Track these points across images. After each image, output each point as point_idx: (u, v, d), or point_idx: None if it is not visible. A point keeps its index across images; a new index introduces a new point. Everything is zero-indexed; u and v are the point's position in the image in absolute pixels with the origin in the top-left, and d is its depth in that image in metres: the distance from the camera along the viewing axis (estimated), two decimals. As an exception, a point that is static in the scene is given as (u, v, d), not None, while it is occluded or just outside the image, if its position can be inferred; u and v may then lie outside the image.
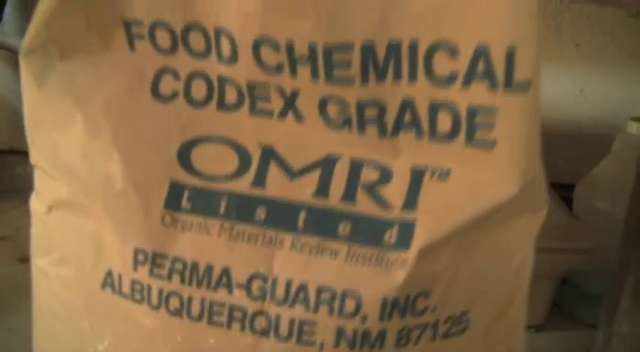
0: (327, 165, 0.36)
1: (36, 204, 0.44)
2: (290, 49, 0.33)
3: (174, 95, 0.37)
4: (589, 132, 1.10)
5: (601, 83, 1.07)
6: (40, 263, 0.44)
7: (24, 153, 1.34)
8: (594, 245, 0.73)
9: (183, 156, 0.37)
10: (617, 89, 1.07)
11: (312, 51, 0.32)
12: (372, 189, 0.35)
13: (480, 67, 0.31)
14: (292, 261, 0.35)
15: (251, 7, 0.32)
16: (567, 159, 1.12)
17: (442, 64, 0.32)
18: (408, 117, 0.34)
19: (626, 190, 0.63)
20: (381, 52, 0.32)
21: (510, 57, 0.30)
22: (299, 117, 0.35)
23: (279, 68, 0.34)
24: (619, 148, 0.80)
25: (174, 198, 0.37)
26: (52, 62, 0.37)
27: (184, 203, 0.37)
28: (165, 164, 0.37)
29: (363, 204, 0.35)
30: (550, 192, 0.84)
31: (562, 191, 1.06)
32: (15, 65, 1.15)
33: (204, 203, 0.37)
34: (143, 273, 0.37)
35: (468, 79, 0.31)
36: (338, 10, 0.31)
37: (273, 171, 0.36)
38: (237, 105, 0.36)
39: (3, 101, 1.18)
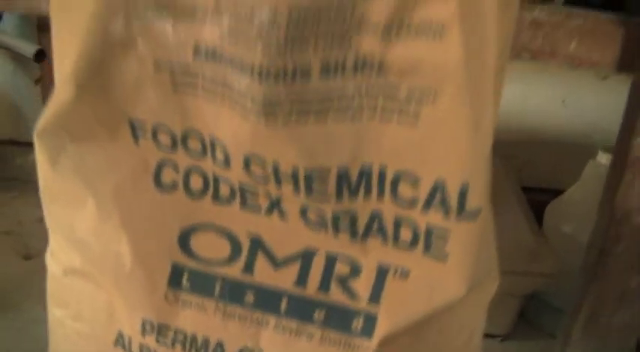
0: (306, 257, 0.42)
1: (51, 262, 0.50)
2: (275, 168, 0.39)
3: (174, 186, 0.43)
4: (569, 141, 1.16)
5: (582, 94, 1.13)
6: (56, 313, 0.50)
7: (24, 144, 1.42)
8: (557, 270, 0.80)
9: (183, 241, 0.44)
10: (596, 100, 1.13)
11: (295, 173, 0.38)
12: (343, 282, 0.42)
13: (437, 198, 0.37)
14: (275, 340, 0.42)
15: (242, 131, 0.38)
16: (547, 165, 1.19)
17: (405, 190, 0.38)
18: (375, 226, 0.40)
19: (591, 219, 0.69)
20: (354, 176, 0.39)
21: (463, 192, 0.36)
22: (283, 215, 0.42)
23: (265, 179, 0.40)
24: (588, 177, 0.86)
25: (175, 278, 0.44)
26: (64, 144, 0.43)
27: (184, 283, 0.44)
28: (168, 247, 0.44)
29: (336, 295, 0.42)
30: (524, 210, 0.91)
31: (541, 195, 1.14)
32: (14, 60, 1.20)
33: (202, 284, 0.44)
34: (150, 340, 0.44)
35: (427, 206, 0.38)
36: (318, 143, 0.37)
37: (260, 260, 0.43)
38: (230, 199, 0.43)
39: (3, 95, 1.23)
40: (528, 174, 1.19)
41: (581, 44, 0.54)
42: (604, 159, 0.83)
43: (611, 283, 0.65)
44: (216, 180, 0.42)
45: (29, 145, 1.36)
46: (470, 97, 0.34)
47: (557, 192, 1.15)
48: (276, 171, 0.39)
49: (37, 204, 1.28)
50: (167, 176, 0.43)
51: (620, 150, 0.60)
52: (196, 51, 0.36)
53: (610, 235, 0.63)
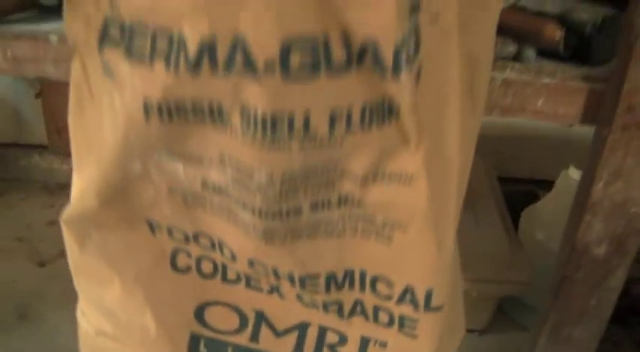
0: (301, 329, 0.52)
1: (83, 321, 0.60)
2: (275, 270, 0.48)
3: (188, 269, 0.53)
4: (548, 135, 1.25)
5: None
6: (90, 363, 0.61)
7: (28, 147, 1.51)
8: (530, 277, 0.91)
9: (199, 314, 0.54)
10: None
11: (291, 275, 0.48)
12: (333, 349, 0.52)
13: (408, 297, 0.47)
14: (279, 397, 0.53)
15: (245, 245, 0.47)
16: (528, 158, 1.29)
17: (382, 288, 0.48)
18: (358, 309, 0.50)
19: (561, 228, 0.79)
20: (339, 277, 0.48)
21: (429, 294, 0.46)
22: (281, 295, 0.52)
23: (266, 274, 0.49)
24: (561, 188, 0.95)
25: (194, 345, 0.54)
26: (90, 231, 0.51)
27: (202, 349, 0.54)
28: (187, 319, 0.54)
29: (328, 360, 0.52)
30: (502, 215, 1.01)
31: (522, 185, 1.24)
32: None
33: (216, 350, 0.54)
34: (175, 394, 0.55)
35: (400, 301, 0.48)
36: (309, 256, 0.47)
37: (264, 330, 0.53)
38: (237, 281, 0.52)
39: (6, 100, 1.29)
40: (510, 166, 1.28)
41: (548, 100, 0.61)
42: (575, 174, 0.92)
43: (572, 303, 0.75)
44: (224, 267, 0.52)
45: (32, 147, 1.47)
46: (434, 225, 0.43)
47: (536, 182, 1.25)
48: (275, 272, 0.48)
49: (44, 205, 1.41)
50: (182, 261, 0.52)
51: (581, 195, 0.69)
52: (204, 185, 0.45)
53: (571, 264, 0.73)
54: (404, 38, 0.36)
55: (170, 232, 0.50)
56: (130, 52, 0.38)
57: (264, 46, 0.34)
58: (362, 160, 0.41)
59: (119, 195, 0.48)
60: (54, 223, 1.21)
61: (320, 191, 0.42)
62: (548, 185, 1.12)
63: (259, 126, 0.37)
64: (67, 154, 1.30)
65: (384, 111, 0.39)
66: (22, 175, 1.32)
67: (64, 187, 1.30)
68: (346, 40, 0.35)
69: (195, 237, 0.50)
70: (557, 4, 0.67)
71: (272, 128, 0.37)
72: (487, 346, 1.00)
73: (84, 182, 0.49)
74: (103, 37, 0.40)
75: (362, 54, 0.36)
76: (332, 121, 0.38)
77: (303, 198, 0.42)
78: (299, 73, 0.35)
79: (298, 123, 0.37)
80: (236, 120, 0.38)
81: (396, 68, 0.36)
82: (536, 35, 0.63)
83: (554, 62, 0.60)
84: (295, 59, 0.35)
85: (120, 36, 0.39)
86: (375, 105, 0.38)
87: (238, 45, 0.35)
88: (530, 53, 0.62)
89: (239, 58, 0.35)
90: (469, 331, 1.01)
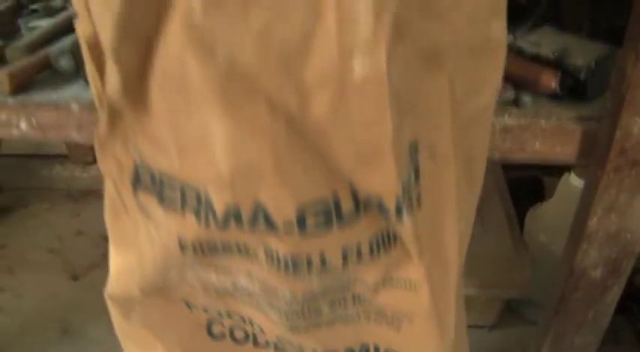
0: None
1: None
2: (300, 347, 0.56)
3: (222, 336, 0.61)
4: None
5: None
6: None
7: (48, 157, 1.60)
8: (530, 279, 0.98)
9: (235, 373, 0.62)
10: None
11: (315, 351, 0.56)
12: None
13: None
14: None
15: (274, 329, 0.55)
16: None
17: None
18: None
19: (562, 232, 0.85)
20: (357, 350, 0.56)
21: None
22: (306, 358, 0.60)
23: (293, 347, 0.58)
24: (562, 193, 1.01)
25: (232, 399, 0.63)
26: (133, 305, 0.59)
27: (239, 402, 0.63)
28: (225, 377, 0.62)
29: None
30: (508, 216, 1.07)
31: (524, 171, 1.30)
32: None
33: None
34: None
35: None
36: (329, 338, 0.54)
37: (291, 384, 0.62)
38: (266, 345, 0.61)
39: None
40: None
41: (545, 142, 0.66)
42: (576, 181, 0.98)
43: (571, 317, 0.83)
44: (254, 335, 0.60)
45: (52, 157, 1.55)
46: (437, 318, 0.51)
47: (540, 168, 1.31)
48: (300, 347, 0.56)
49: (70, 214, 1.52)
50: (217, 329, 0.61)
51: (577, 226, 0.75)
52: (234, 287, 0.52)
53: (570, 285, 0.80)
54: (404, 188, 0.42)
55: (205, 310, 0.58)
56: (162, 199, 0.45)
57: (282, 213, 0.41)
58: (372, 274, 0.48)
59: (159, 289, 0.55)
60: (81, 233, 1.29)
61: (337, 294, 0.50)
62: (551, 170, 1.17)
63: (282, 264, 0.44)
64: (86, 163, 1.38)
65: (389, 240, 0.46)
66: (44, 184, 1.40)
67: (87, 194, 1.39)
68: (354, 195, 0.42)
69: (228, 314, 0.58)
70: (552, 44, 0.71)
71: (293, 266, 0.44)
72: (496, 340, 1.08)
73: (124, 262, 0.56)
74: (136, 182, 0.46)
75: (367, 204, 0.42)
76: (344, 257, 0.45)
77: (322, 302, 0.50)
78: (314, 229, 0.42)
79: (315, 261, 0.44)
80: (260, 255, 0.45)
81: (399, 214, 0.43)
82: (533, 83, 0.67)
83: (549, 102, 0.65)
84: (310, 220, 0.41)
85: (151, 183, 0.45)
86: (381, 237, 0.45)
87: (259, 210, 0.41)
88: (527, 99, 0.66)
89: (261, 220, 0.42)
90: (479, 327, 1.10)
